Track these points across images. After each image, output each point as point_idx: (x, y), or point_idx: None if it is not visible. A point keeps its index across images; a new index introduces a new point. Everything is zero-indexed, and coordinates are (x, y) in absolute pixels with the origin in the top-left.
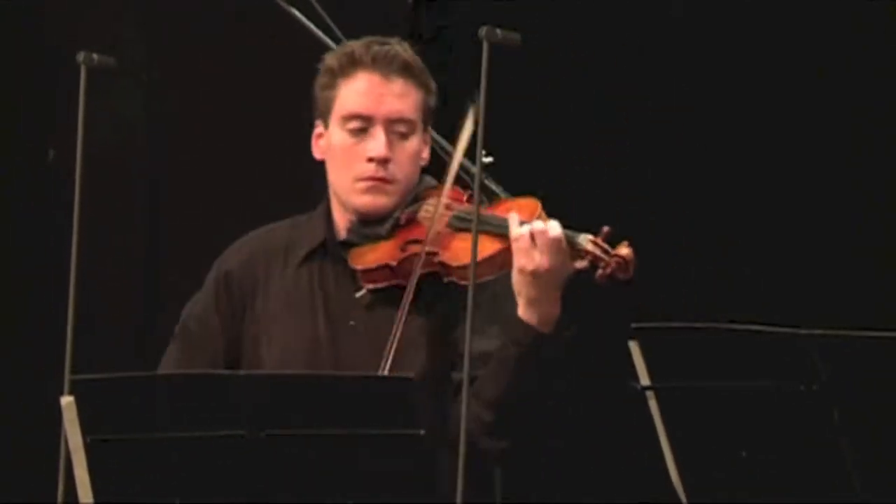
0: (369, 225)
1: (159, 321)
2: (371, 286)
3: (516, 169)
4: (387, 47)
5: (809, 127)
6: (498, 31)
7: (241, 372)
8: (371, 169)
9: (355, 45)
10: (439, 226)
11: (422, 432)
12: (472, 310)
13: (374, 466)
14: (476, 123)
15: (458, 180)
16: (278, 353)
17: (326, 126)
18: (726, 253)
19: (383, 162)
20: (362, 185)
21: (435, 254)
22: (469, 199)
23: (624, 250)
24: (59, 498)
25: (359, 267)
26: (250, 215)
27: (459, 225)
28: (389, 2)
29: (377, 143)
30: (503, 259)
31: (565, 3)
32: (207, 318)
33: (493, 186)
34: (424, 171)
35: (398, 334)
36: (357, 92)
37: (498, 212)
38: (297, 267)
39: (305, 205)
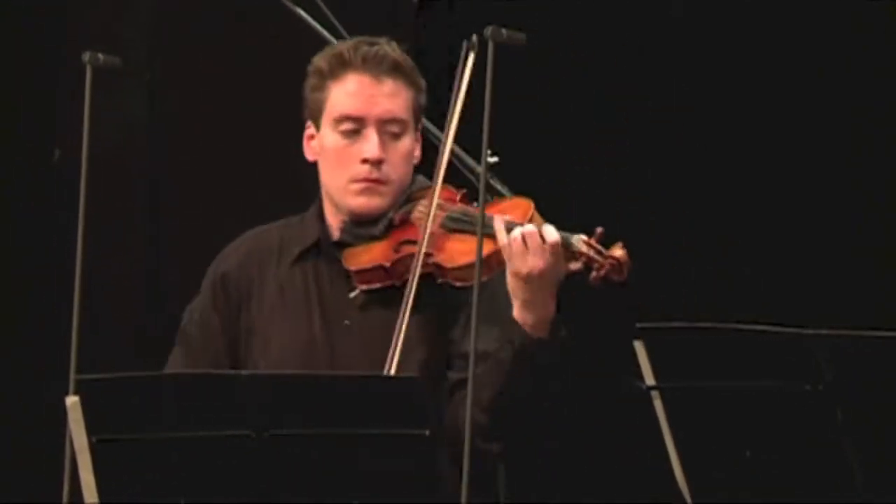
0: (363, 225)
1: (163, 320)
2: (365, 287)
3: (517, 169)
4: (376, 47)
5: (809, 127)
6: (503, 31)
7: (247, 372)
8: (365, 170)
9: (344, 47)
10: (433, 226)
11: (427, 433)
12: (473, 310)
13: (379, 467)
14: (475, 64)
15: (460, 181)
16: (274, 354)
17: (318, 128)
18: (726, 253)
19: (377, 163)
20: (356, 186)
21: (429, 255)
22: (462, 199)
23: (618, 252)
24: (65, 498)
25: (353, 268)
26: (253, 215)
27: (453, 226)
28: (394, 1)
29: (370, 144)
30: (497, 259)
31: (565, 4)
32: (207, 320)
33: (499, 186)
34: (416, 170)
35: (401, 336)
36: (348, 93)
37: (493, 213)
38: (291, 267)
39: (307, 205)
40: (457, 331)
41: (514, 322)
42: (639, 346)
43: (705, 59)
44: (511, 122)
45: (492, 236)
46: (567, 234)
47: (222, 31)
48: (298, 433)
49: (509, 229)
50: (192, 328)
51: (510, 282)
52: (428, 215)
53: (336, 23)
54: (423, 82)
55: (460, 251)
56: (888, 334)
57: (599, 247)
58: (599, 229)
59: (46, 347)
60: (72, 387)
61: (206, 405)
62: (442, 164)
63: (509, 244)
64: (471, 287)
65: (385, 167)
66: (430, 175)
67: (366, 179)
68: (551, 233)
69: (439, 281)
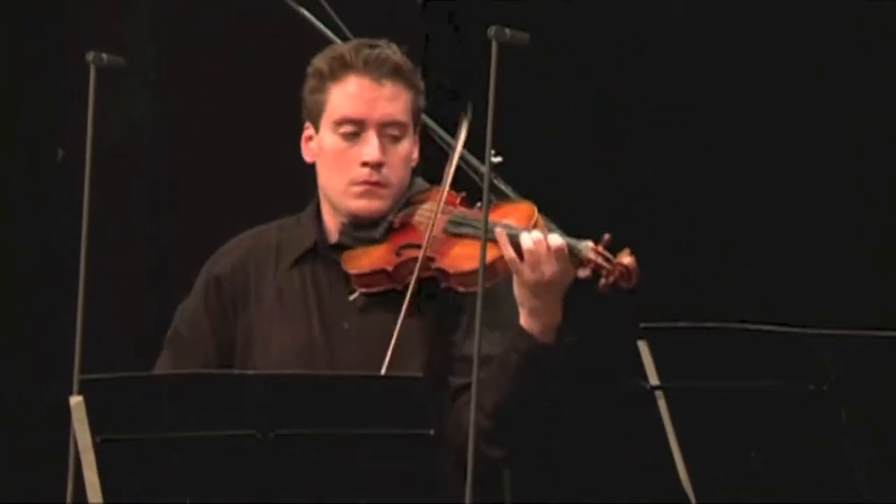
0: (362, 228)
1: (166, 320)
2: (365, 290)
3: (517, 169)
4: (377, 50)
5: (809, 127)
6: (507, 30)
7: (251, 371)
8: (365, 173)
9: (344, 49)
10: (436, 231)
11: (431, 432)
12: (477, 317)
13: (383, 466)
14: (468, 132)
15: (462, 181)
16: (274, 355)
17: (317, 129)
18: (726, 253)
19: (377, 166)
20: (356, 189)
21: (432, 259)
22: (462, 202)
23: (626, 259)
24: (69, 498)
25: (353, 271)
26: (257, 214)
27: (455, 230)
28: (399, 1)
29: (370, 147)
30: (502, 266)
31: (566, 4)
32: (198, 322)
33: (503, 186)
34: (414, 171)
35: (394, 338)
36: (348, 96)
37: (495, 217)
38: (289, 269)
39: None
40: (458, 333)
41: (520, 329)
42: (643, 346)
43: (705, 59)
44: (512, 123)
45: (497, 242)
46: (574, 241)
47: (226, 30)
48: (303, 433)
49: (515, 236)
50: (183, 328)
51: (517, 290)
52: (430, 219)
53: (340, 23)
54: (422, 84)
55: (464, 257)
56: (892, 334)
57: (607, 253)
58: (607, 236)
59: (50, 347)
60: (76, 386)
61: (210, 405)
62: (449, 174)
63: (522, 254)
64: (474, 292)
65: (385, 170)
66: (427, 176)
67: (366, 182)
68: (557, 240)
69: (442, 286)
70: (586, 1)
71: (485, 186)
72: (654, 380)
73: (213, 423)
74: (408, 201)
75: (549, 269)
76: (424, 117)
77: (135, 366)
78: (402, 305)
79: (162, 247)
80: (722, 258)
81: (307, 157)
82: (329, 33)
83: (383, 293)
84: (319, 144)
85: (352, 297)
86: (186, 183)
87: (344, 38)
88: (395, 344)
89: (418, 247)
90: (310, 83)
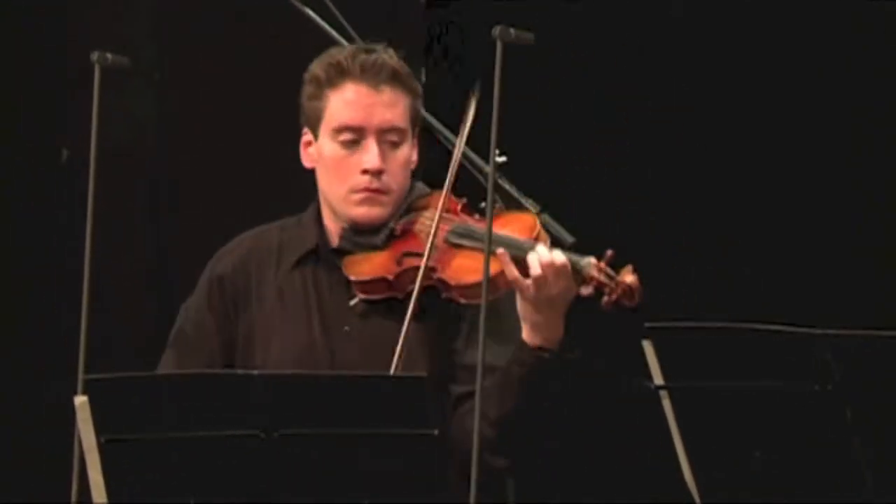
0: (363, 234)
1: (168, 319)
2: (365, 297)
3: (519, 170)
4: (374, 56)
5: (809, 127)
6: (511, 30)
7: (256, 372)
8: (365, 181)
9: (341, 55)
10: (437, 240)
11: (435, 432)
12: (480, 330)
13: (387, 466)
14: (476, 114)
15: (466, 181)
16: (273, 356)
17: (315, 136)
18: (726, 253)
19: (377, 173)
20: (357, 196)
21: (433, 269)
22: (463, 209)
23: (629, 277)
24: (73, 498)
25: (353, 277)
26: (260, 214)
27: (457, 241)
28: (403, 1)
29: (370, 155)
30: (504, 280)
31: (566, 4)
32: (202, 320)
33: (507, 186)
34: (414, 174)
35: (400, 351)
36: (346, 103)
37: (496, 227)
38: (290, 270)
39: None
40: (459, 341)
41: (522, 343)
42: (647, 346)
43: (705, 59)
44: (512, 123)
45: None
46: (577, 258)
47: (230, 30)
48: (307, 433)
49: (519, 255)
50: (188, 327)
51: (520, 305)
52: (431, 228)
53: (344, 22)
54: (420, 88)
55: (467, 269)
56: None
57: (610, 271)
58: (609, 252)
59: (55, 347)
60: (80, 387)
61: (214, 405)
62: (447, 182)
63: (517, 278)
64: (475, 304)
65: (385, 177)
66: (428, 179)
67: (366, 190)
68: (560, 257)
69: (443, 296)
70: (586, 1)
71: (489, 187)
72: (658, 380)
73: (217, 423)
74: (409, 207)
75: (553, 286)
76: (429, 117)
77: (136, 365)
78: (402, 312)
79: (164, 246)
80: (722, 258)
81: (306, 162)
82: (333, 33)
83: (383, 300)
84: (319, 151)
85: (352, 303)
86: (190, 183)
87: (348, 38)
88: (398, 354)
89: (419, 255)
90: (307, 90)
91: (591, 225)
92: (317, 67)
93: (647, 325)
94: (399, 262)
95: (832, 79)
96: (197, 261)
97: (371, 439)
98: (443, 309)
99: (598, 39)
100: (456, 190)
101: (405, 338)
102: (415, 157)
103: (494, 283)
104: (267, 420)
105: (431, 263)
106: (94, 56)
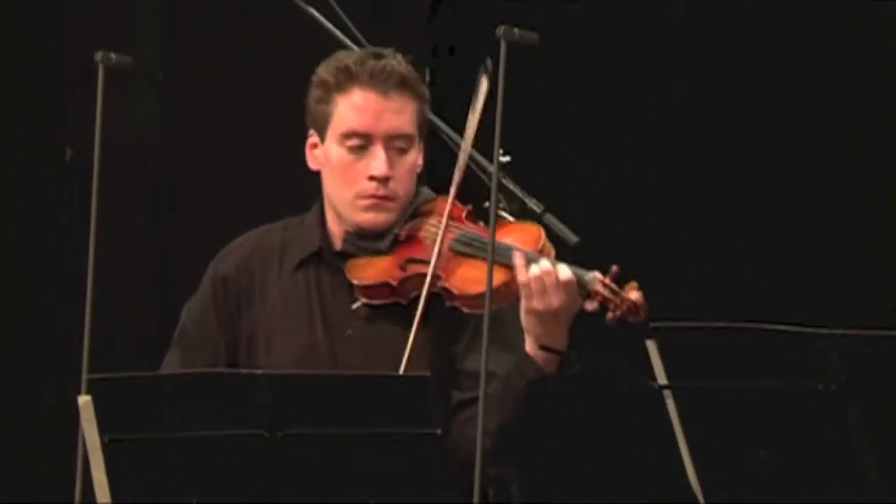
0: (367, 238)
1: (171, 319)
2: (367, 301)
3: (519, 170)
4: (383, 62)
5: (809, 127)
6: (515, 30)
7: (259, 371)
8: (372, 187)
9: (349, 60)
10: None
11: (438, 431)
12: (484, 339)
13: (390, 466)
14: (490, 92)
15: (470, 181)
16: (276, 357)
17: (322, 139)
18: (726, 253)
19: (384, 180)
20: (363, 202)
21: (438, 277)
22: (468, 216)
23: (634, 294)
24: (77, 498)
25: (356, 282)
26: (263, 214)
27: (463, 249)
28: (407, 2)
29: (378, 161)
30: (509, 290)
31: (566, 4)
32: (206, 320)
33: (511, 186)
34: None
35: (406, 359)
36: (355, 108)
37: (500, 237)
38: (293, 272)
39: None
40: (460, 346)
41: (524, 355)
42: (651, 346)
43: (705, 59)
44: (518, 122)
45: (507, 266)
46: (582, 272)
47: (233, 30)
48: (310, 433)
49: (528, 262)
50: (191, 327)
51: (523, 317)
52: (437, 236)
53: (349, 23)
54: (427, 93)
55: (471, 279)
56: None
57: (615, 287)
58: (615, 268)
59: (58, 347)
60: (84, 386)
61: (218, 404)
62: (452, 189)
63: (529, 283)
64: (479, 314)
65: (392, 183)
66: (430, 183)
67: (373, 196)
68: (565, 271)
69: (447, 304)
70: (587, 1)
71: (493, 186)
72: (662, 379)
73: (221, 423)
74: (414, 212)
75: (556, 299)
76: (436, 119)
77: (139, 365)
78: (405, 316)
79: (167, 246)
80: (722, 258)
81: (312, 164)
82: (337, 33)
83: (386, 305)
84: (325, 154)
85: (354, 306)
86: (193, 182)
87: (353, 38)
88: (406, 359)
89: (423, 262)
90: (315, 93)
91: (592, 225)
92: (325, 71)
93: (651, 324)
94: (403, 268)
95: (832, 79)
96: (200, 260)
97: (375, 439)
98: (445, 315)
99: (599, 39)
100: (460, 189)
101: (412, 347)
102: (420, 160)
103: (498, 293)
104: (270, 420)
105: (437, 271)
106: (98, 56)
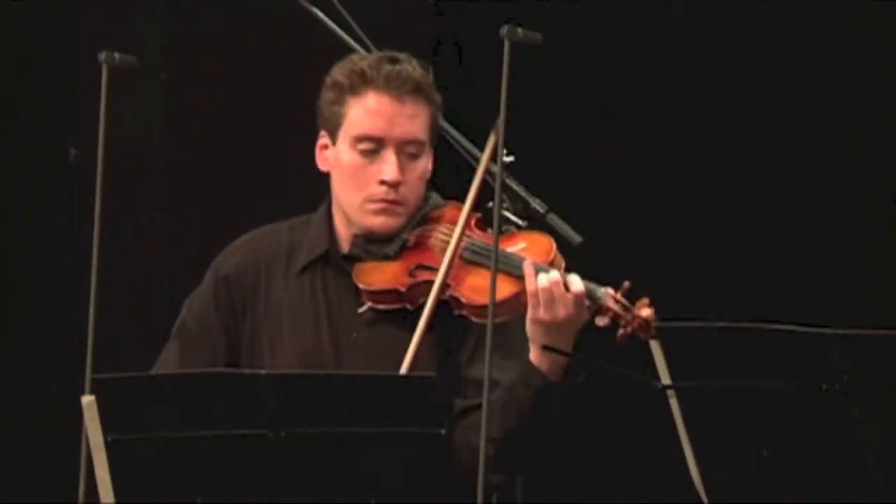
0: (375, 242)
1: (176, 318)
2: (374, 306)
3: (519, 170)
4: (398, 66)
5: (809, 127)
6: (519, 30)
7: (263, 371)
8: (382, 192)
9: (364, 63)
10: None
11: (443, 432)
12: (487, 349)
13: (394, 466)
14: (495, 149)
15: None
16: (280, 358)
17: (333, 141)
18: (726, 253)
19: (395, 185)
20: (373, 206)
21: (447, 285)
22: (478, 223)
23: (645, 311)
24: (81, 497)
25: (364, 287)
26: (268, 212)
27: (473, 258)
28: (411, 1)
29: (389, 166)
30: (517, 303)
31: (566, 4)
32: (207, 318)
33: (515, 186)
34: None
35: (410, 362)
36: (368, 113)
37: (511, 246)
38: (298, 274)
39: (320, 202)
40: (464, 353)
41: (529, 365)
42: (655, 346)
43: (705, 59)
44: (518, 122)
45: (513, 276)
46: (594, 287)
47: (237, 30)
48: (314, 432)
49: (537, 272)
50: (192, 323)
51: (529, 326)
52: (446, 243)
53: (352, 23)
54: (440, 99)
55: (480, 289)
56: None
57: (626, 302)
58: (627, 283)
59: (62, 346)
60: (88, 386)
61: (222, 404)
62: (466, 204)
63: (537, 292)
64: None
65: (402, 188)
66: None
67: (383, 200)
68: (577, 283)
69: (455, 313)
70: (588, 1)
71: (496, 186)
72: (666, 379)
73: (225, 423)
74: (423, 218)
75: (563, 310)
76: (448, 126)
77: (143, 365)
78: (410, 322)
79: (171, 245)
80: (722, 258)
81: (322, 166)
82: (341, 33)
83: (392, 310)
84: (336, 156)
85: (360, 310)
86: (196, 181)
87: (356, 38)
88: (408, 363)
89: (431, 269)
90: (328, 95)
91: (592, 225)
92: (339, 73)
93: (654, 324)
94: (412, 275)
95: (832, 79)
96: (204, 259)
97: (378, 439)
98: (451, 321)
99: (600, 39)
100: (466, 191)
101: (416, 352)
102: (430, 165)
103: (508, 304)
104: (274, 419)
105: (446, 280)
106: (102, 55)
